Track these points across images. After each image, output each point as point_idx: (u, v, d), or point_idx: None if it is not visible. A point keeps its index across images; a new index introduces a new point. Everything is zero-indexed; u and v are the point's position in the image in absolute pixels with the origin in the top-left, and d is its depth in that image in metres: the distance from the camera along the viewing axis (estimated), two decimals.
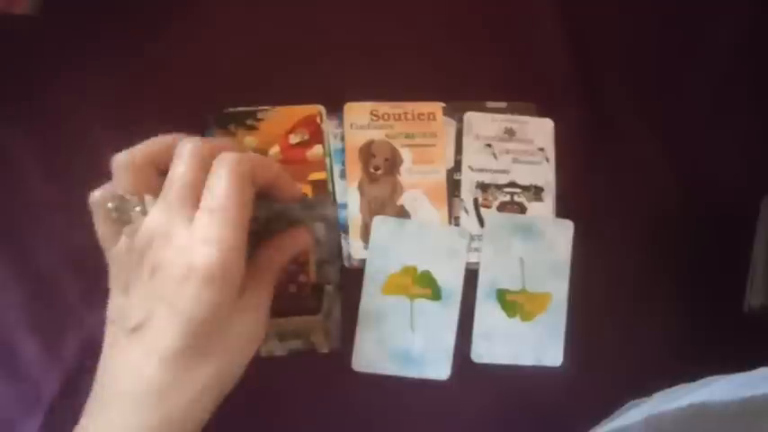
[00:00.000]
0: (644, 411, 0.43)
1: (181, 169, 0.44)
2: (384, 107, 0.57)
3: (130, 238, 0.44)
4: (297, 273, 0.56)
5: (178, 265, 0.42)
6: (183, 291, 0.42)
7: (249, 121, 0.56)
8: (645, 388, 0.58)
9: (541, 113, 0.58)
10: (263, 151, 0.56)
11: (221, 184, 0.43)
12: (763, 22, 0.60)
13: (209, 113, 0.56)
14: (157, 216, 0.43)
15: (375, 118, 0.57)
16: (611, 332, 0.58)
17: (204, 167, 0.44)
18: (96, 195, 0.46)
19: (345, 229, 0.56)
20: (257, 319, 0.46)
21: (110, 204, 0.45)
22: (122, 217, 0.45)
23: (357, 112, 0.57)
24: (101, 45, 0.55)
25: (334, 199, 0.56)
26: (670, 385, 0.56)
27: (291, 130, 0.56)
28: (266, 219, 0.49)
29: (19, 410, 0.55)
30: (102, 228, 0.46)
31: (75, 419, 0.55)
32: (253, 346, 0.46)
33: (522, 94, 0.59)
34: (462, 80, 0.58)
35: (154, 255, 0.43)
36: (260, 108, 0.56)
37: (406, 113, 0.57)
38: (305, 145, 0.56)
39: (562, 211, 0.58)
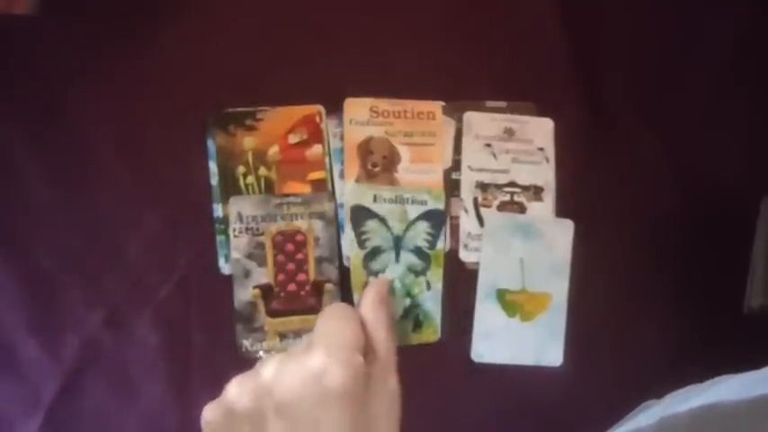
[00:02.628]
0: (656, 413, 0.43)
1: None
2: (384, 104, 0.57)
3: None
4: (296, 271, 0.56)
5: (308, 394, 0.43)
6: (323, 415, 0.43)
7: (248, 122, 0.56)
8: (645, 388, 0.57)
9: (541, 113, 0.58)
10: (262, 151, 0.56)
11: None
12: (763, 22, 0.60)
13: (209, 114, 0.56)
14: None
15: (375, 115, 0.57)
16: (611, 332, 0.58)
17: None
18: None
19: (343, 228, 0.56)
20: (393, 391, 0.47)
21: None
22: None
23: (357, 108, 0.57)
24: (100, 45, 0.55)
25: (334, 197, 0.56)
26: (670, 385, 0.56)
27: (291, 130, 0.56)
28: None
29: (19, 410, 0.55)
30: None
31: (74, 419, 0.55)
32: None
33: (522, 94, 0.59)
34: (462, 80, 0.58)
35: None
36: (259, 108, 0.56)
37: (405, 111, 0.57)
38: (304, 144, 0.56)
39: (562, 210, 0.58)
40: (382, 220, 0.56)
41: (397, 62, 0.57)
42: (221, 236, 0.56)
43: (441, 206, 0.56)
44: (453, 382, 0.57)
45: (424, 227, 0.56)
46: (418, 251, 0.56)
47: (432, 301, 0.56)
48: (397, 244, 0.56)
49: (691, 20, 0.60)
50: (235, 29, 0.57)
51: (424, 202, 0.56)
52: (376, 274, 0.56)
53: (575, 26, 0.59)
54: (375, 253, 0.56)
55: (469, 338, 0.57)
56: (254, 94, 0.56)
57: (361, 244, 0.56)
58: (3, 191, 0.55)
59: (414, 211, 0.56)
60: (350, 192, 0.56)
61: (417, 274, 0.56)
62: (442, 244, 0.57)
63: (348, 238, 0.56)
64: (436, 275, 0.57)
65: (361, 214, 0.56)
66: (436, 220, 0.56)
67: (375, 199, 0.56)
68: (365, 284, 0.55)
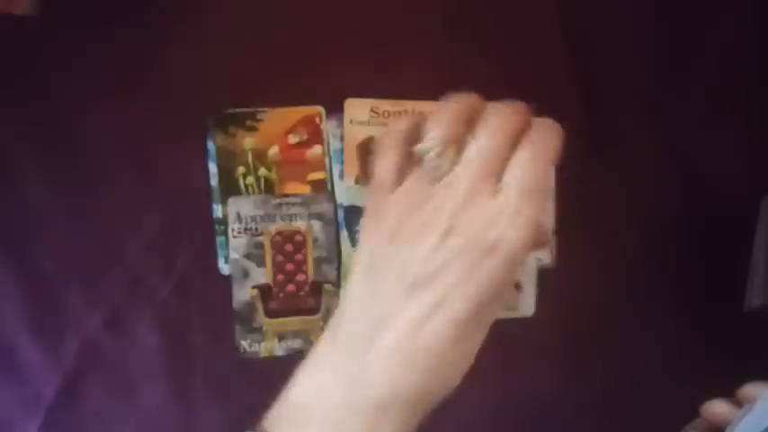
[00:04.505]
0: None
1: (487, 141, 0.43)
2: (385, 104, 0.57)
3: (431, 187, 0.43)
4: (295, 272, 0.56)
5: (483, 238, 0.41)
6: (485, 263, 0.41)
7: (249, 122, 0.56)
8: (645, 388, 0.58)
9: (541, 113, 0.58)
10: (262, 151, 0.56)
11: (531, 167, 0.43)
12: (764, 22, 0.60)
13: (209, 114, 0.56)
14: (463, 177, 0.43)
15: (375, 115, 0.57)
16: (610, 332, 0.58)
17: (512, 142, 0.44)
18: (395, 136, 0.46)
19: (343, 227, 0.56)
20: None
21: (432, 151, 0.44)
22: (433, 164, 0.44)
23: (357, 108, 0.57)
24: (101, 46, 0.55)
25: (333, 198, 0.56)
26: (670, 385, 0.56)
27: (291, 131, 0.56)
28: None
29: (18, 411, 0.55)
30: (390, 163, 0.46)
31: (75, 420, 0.55)
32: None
33: (522, 94, 0.58)
34: (462, 80, 0.58)
35: (454, 215, 0.42)
36: (259, 109, 0.56)
37: (406, 111, 0.57)
38: (304, 145, 0.56)
39: (562, 210, 0.58)
40: None
41: (397, 63, 0.57)
42: (221, 236, 0.56)
43: None
44: None
45: None
46: None
47: None
48: None
49: (691, 20, 0.60)
50: (235, 29, 0.56)
51: None
52: None
53: (575, 27, 0.59)
54: None
55: None
56: (254, 95, 0.56)
57: (355, 243, 0.55)
58: (3, 191, 0.55)
59: None
60: (345, 192, 0.56)
61: None
62: None
63: (342, 237, 0.56)
64: None
65: (355, 214, 0.55)
66: None
67: None
68: None
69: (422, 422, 0.57)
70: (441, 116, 0.45)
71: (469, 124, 0.45)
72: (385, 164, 0.46)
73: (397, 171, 0.45)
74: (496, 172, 0.43)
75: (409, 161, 0.45)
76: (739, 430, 0.44)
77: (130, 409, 0.56)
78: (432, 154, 0.44)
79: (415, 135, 0.46)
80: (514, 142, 0.44)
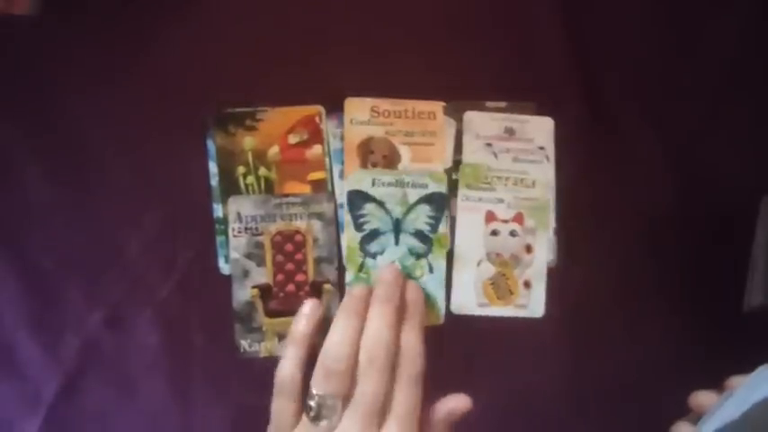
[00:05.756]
0: (746, 399, 0.43)
1: (370, 387, 0.48)
2: (385, 104, 0.57)
3: None
4: (295, 272, 0.56)
5: None
6: None
7: (248, 122, 0.56)
8: (645, 388, 0.58)
9: (541, 113, 0.58)
10: (262, 151, 0.56)
11: (408, 392, 0.49)
12: (764, 22, 0.60)
13: (209, 114, 0.56)
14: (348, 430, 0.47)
15: (375, 114, 0.57)
16: (611, 332, 0.58)
17: (390, 376, 0.49)
18: (287, 375, 0.51)
19: (343, 228, 0.56)
20: None
21: (312, 402, 0.49)
22: (319, 412, 0.48)
23: (358, 107, 0.57)
24: (100, 45, 0.56)
25: (333, 197, 0.56)
26: (669, 385, 0.56)
27: (291, 130, 0.56)
28: None
29: (18, 410, 0.55)
30: (284, 404, 0.50)
31: (74, 419, 0.56)
32: None
33: (522, 93, 0.58)
34: (462, 80, 0.58)
35: None
36: (259, 108, 0.56)
37: (406, 111, 0.57)
38: (304, 145, 0.56)
39: (562, 210, 0.58)
40: (381, 204, 0.56)
41: (397, 62, 0.57)
42: (221, 236, 0.56)
43: (443, 189, 0.56)
44: (452, 382, 0.57)
45: (425, 210, 0.56)
46: (419, 234, 0.56)
47: (434, 283, 0.56)
48: (397, 227, 0.56)
49: (691, 19, 0.60)
50: (235, 29, 0.57)
51: (424, 186, 0.56)
52: (374, 255, 0.56)
53: (575, 26, 0.59)
54: (373, 236, 0.56)
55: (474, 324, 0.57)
56: (254, 94, 0.56)
57: (358, 227, 0.56)
58: (3, 191, 0.55)
59: (414, 195, 0.56)
60: (349, 178, 0.56)
61: (419, 256, 0.56)
62: (445, 227, 0.57)
63: (345, 221, 0.56)
64: (439, 258, 0.56)
65: (358, 197, 0.56)
66: (438, 203, 0.56)
67: (374, 183, 0.56)
68: (361, 265, 0.56)
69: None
70: (326, 370, 0.49)
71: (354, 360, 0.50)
72: (280, 402, 0.50)
73: (295, 413, 0.50)
74: (380, 413, 0.48)
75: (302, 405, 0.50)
76: (719, 414, 0.44)
77: (130, 408, 0.56)
78: (321, 411, 0.48)
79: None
80: (393, 365, 0.50)
